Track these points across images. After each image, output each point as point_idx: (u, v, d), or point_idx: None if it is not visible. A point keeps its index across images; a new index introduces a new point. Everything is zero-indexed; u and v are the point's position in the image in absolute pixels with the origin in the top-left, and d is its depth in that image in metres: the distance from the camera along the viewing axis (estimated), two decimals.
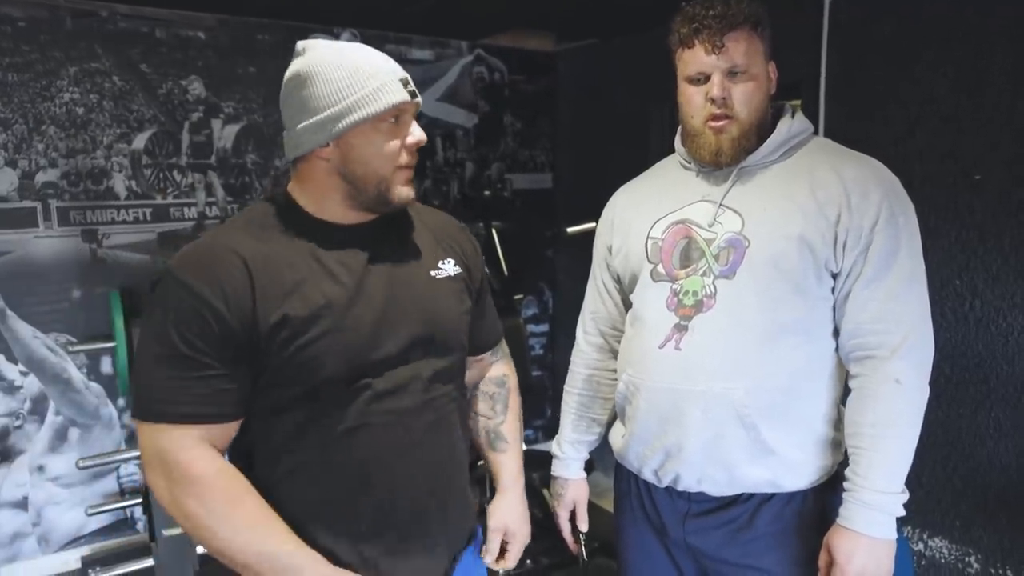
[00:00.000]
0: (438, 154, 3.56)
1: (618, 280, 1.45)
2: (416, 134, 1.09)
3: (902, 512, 1.19)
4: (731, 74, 1.22)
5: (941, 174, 2.29)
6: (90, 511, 2.69)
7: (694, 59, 1.24)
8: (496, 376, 1.40)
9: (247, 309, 1.01)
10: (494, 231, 3.36)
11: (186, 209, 2.96)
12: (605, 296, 1.49)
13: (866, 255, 1.20)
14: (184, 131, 2.93)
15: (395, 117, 1.07)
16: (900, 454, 1.19)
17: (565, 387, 1.56)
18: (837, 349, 1.27)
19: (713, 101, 1.23)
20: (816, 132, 2.55)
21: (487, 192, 3.59)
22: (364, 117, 1.04)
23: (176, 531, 2.32)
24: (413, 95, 1.08)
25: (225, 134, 3.00)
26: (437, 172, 3.55)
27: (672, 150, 1.42)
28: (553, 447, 1.57)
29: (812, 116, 2.59)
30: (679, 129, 1.36)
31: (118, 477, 2.91)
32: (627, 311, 1.43)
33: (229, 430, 1.07)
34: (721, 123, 1.24)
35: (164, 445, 1.02)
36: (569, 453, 1.53)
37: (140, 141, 2.84)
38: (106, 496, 2.87)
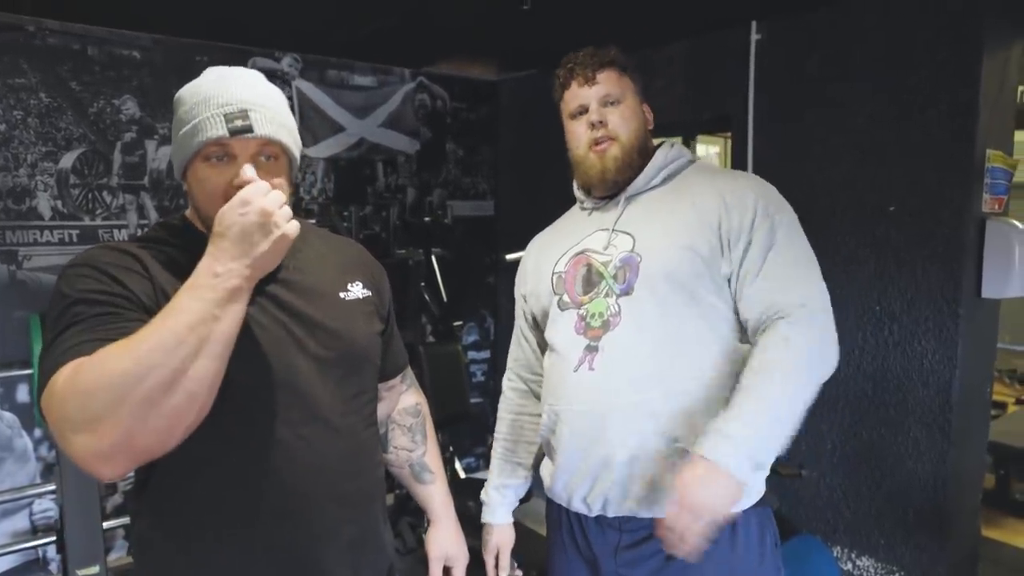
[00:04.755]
0: (379, 180, 3.55)
1: (535, 323, 1.50)
2: (242, 175, 0.94)
3: (750, 474, 1.15)
4: (607, 103, 1.37)
5: (861, 205, 2.43)
6: None
7: (573, 96, 1.39)
8: (409, 406, 1.40)
9: (151, 303, 0.96)
10: (434, 257, 3.36)
11: (116, 231, 2.86)
12: (523, 342, 1.56)
13: (748, 252, 1.27)
14: (116, 151, 2.84)
15: (223, 155, 0.99)
16: (770, 404, 1.17)
17: (494, 434, 1.61)
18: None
19: (593, 125, 1.36)
20: (745, 166, 2.69)
21: (428, 218, 3.59)
22: (185, 156, 1.00)
23: (92, 570, 2.20)
24: (241, 131, 0.97)
25: (160, 155, 2.93)
26: (378, 198, 3.54)
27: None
28: (482, 493, 1.60)
29: (741, 150, 2.71)
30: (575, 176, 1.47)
31: (31, 514, 2.74)
32: (545, 350, 1.47)
33: None
34: (603, 145, 1.36)
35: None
36: (494, 498, 1.57)
37: (68, 160, 2.75)
38: (16, 535, 2.70)
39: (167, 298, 0.93)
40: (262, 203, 0.90)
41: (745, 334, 1.31)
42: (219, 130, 0.97)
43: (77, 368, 0.84)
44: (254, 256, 0.90)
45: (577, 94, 1.38)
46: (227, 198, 0.92)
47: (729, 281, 1.30)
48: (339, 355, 1.11)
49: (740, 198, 1.30)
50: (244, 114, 0.98)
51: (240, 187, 0.93)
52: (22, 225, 2.68)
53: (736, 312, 1.31)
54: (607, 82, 1.36)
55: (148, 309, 0.94)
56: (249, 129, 0.97)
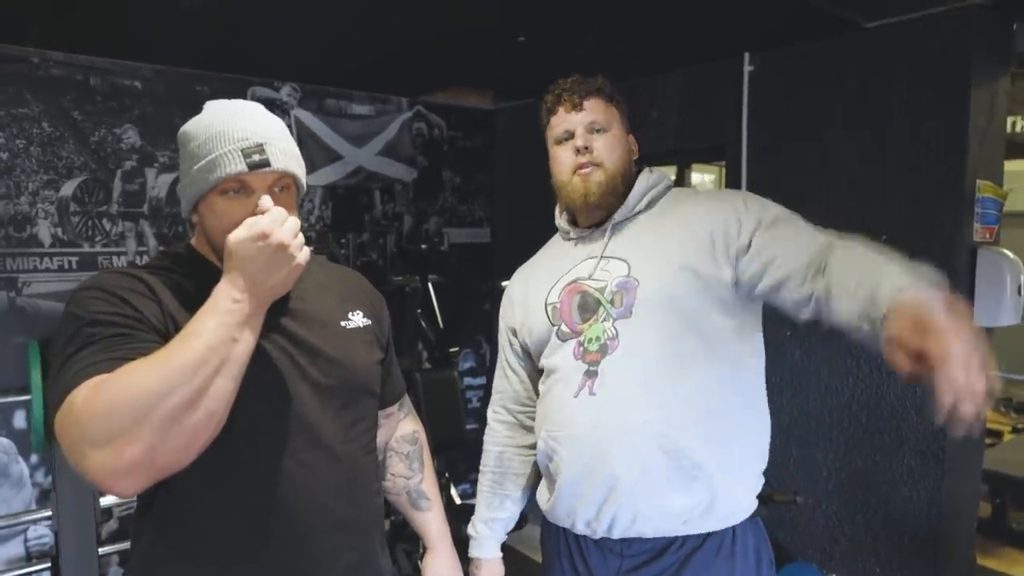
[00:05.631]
0: (376, 208, 3.58)
1: (526, 355, 1.51)
2: (261, 205, 0.98)
3: None
4: (593, 130, 1.38)
5: (854, 234, 2.45)
6: None
7: (560, 121, 1.41)
8: (407, 434, 1.42)
9: (161, 325, 0.98)
10: (430, 284, 3.38)
11: (115, 258, 2.88)
12: (510, 374, 1.56)
13: (756, 233, 1.29)
14: (116, 179, 2.87)
15: (240, 188, 1.01)
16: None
17: (480, 466, 1.61)
18: (745, 370, 1.34)
19: (578, 151, 1.37)
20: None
21: (424, 245, 3.62)
22: (200, 190, 1.02)
23: None
24: (260, 165, 1.00)
25: (159, 183, 2.96)
26: (375, 225, 3.57)
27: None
28: (469, 527, 1.59)
29: (735, 177, 2.74)
30: (557, 205, 1.49)
31: (25, 540, 2.72)
32: (536, 380, 1.48)
33: None
34: (587, 170, 1.38)
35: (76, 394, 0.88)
36: (483, 532, 1.57)
37: (69, 188, 2.77)
38: (10, 562, 2.68)
39: (175, 322, 0.97)
40: (280, 236, 0.94)
41: (750, 343, 1.34)
42: (238, 165, 0.99)
43: (97, 386, 0.86)
44: (270, 284, 0.95)
45: (564, 119, 1.40)
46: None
47: (737, 283, 1.29)
48: (340, 383, 1.13)
49: (728, 204, 1.35)
50: (260, 148, 1.01)
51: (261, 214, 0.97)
52: (22, 252, 2.69)
53: (739, 322, 1.32)
54: (594, 109, 1.39)
55: (159, 331, 0.97)
56: (267, 163, 1.01)
